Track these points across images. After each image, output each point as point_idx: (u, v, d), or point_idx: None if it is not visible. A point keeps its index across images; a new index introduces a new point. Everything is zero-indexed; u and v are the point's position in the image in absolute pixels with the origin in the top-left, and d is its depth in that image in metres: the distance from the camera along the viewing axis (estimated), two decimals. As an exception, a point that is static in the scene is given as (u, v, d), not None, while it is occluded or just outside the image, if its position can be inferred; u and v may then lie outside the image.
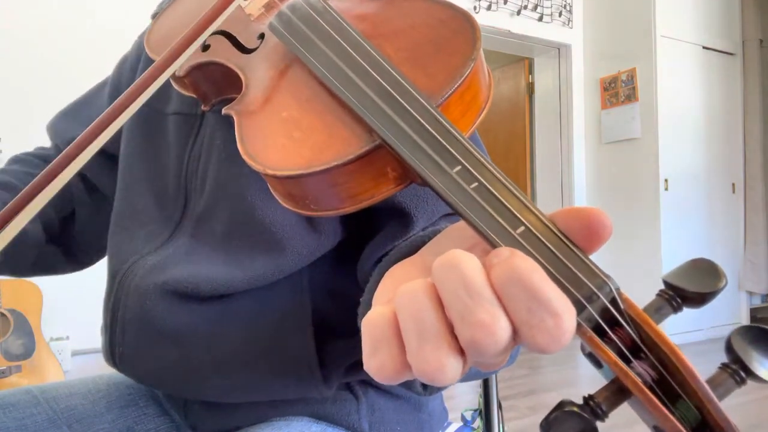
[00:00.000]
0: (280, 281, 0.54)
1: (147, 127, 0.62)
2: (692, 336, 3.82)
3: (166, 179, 0.60)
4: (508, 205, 0.27)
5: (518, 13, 3.97)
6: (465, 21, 0.38)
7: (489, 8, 3.84)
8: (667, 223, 3.76)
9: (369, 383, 0.60)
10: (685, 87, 3.91)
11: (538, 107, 4.49)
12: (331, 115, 0.36)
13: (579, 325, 0.24)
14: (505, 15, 3.93)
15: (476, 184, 0.28)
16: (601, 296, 0.24)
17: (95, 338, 0.65)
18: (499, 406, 0.87)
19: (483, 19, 3.81)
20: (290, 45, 0.41)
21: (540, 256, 0.25)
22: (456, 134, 0.30)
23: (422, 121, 0.31)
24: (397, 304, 0.24)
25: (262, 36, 0.47)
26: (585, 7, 4.26)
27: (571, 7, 4.21)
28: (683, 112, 3.88)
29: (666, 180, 3.78)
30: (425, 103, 0.32)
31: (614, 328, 0.24)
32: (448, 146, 0.30)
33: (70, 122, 0.72)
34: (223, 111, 0.42)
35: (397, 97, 0.33)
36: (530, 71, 4.52)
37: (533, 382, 2.88)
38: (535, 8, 4.04)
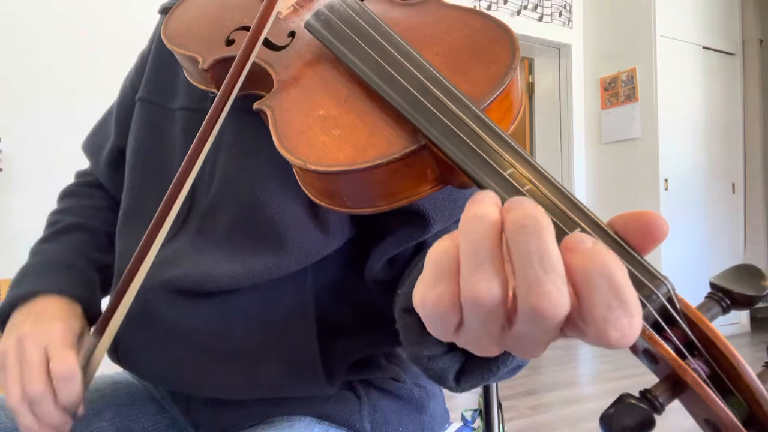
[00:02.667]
0: (284, 279, 0.54)
1: (153, 123, 0.62)
2: (692, 336, 3.82)
3: (173, 175, 0.60)
4: (562, 207, 0.27)
5: (518, 13, 3.97)
6: (501, 30, 0.39)
7: (489, 8, 3.84)
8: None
9: (371, 384, 0.60)
10: (685, 87, 3.91)
11: (538, 107, 4.49)
12: (372, 115, 0.37)
13: None
14: (505, 15, 3.93)
15: (529, 186, 0.28)
16: (660, 296, 0.25)
17: (95, 338, 0.65)
18: (499, 406, 0.87)
19: (483, 19, 3.81)
20: (329, 44, 0.41)
21: None
22: (505, 136, 0.31)
23: (471, 123, 0.32)
24: (461, 229, 0.24)
25: (292, 34, 0.47)
26: (585, 7, 4.26)
27: (571, 7, 4.21)
28: (683, 112, 3.88)
29: (666, 180, 3.78)
30: (473, 106, 0.32)
31: (671, 327, 0.25)
32: (499, 148, 0.30)
33: (98, 138, 0.74)
34: (255, 106, 0.42)
35: (443, 97, 0.33)
36: (530, 71, 4.52)
37: (533, 382, 2.88)
38: (535, 8, 4.04)
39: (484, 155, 0.30)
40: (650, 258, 0.25)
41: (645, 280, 0.25)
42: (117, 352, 0.58)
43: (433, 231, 0.49)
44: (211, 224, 0.56)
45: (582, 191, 4.25)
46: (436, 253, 0.25)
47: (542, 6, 4.07)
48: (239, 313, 0.54)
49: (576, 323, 0.24)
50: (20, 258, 0.65)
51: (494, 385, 0.87)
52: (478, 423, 0.89)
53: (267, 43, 0.47)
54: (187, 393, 0.61)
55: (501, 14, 3.91)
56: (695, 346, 0.25)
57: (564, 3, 4.17)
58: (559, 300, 0.22)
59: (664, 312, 0.25)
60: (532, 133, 4.53)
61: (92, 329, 0.53)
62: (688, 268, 3.84)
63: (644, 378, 2.94)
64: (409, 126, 0.34)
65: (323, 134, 0.37)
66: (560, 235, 0.26)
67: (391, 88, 0.35)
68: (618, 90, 4.01)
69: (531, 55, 4.45)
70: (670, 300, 0.25)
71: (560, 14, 4.15)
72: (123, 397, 0.66)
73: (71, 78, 2.53)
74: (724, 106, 4.11)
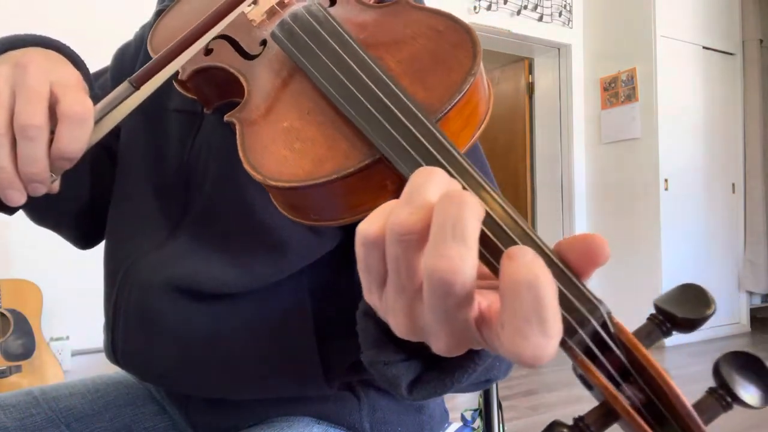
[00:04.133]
0: (281, 281, 0.54)
1: (148, 121, 0.62)
2: (692, 336, 3.82)
3: (167, 175, 0.59)
4: (504, 222, 0.27)
5: (518, 13, 3.97)
6: (465, 34, 0.38)
7: (489, 8, 3.84)
8: (667, 223, 3.76)
9: (370, 384, 0.60)
10: (685, 87, 3.91)
11: (538, 107, 4.49)
12: (332, 128, 0.36)
13: (570, 348, 0.24)
14: (505, 15, 3.93)
15: None
16: (592, 321, 0.24)
17: (95, 338, 0.65)
18: (499, 406, 0.87)
19: (483, 19, 3.81)
20: (291, 54, 0.41)
21: None
22: (454, 152, 0.30)
23: (420, 136, 0.32)
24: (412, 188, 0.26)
25: (264, 43, 0.46)
26: (585, 7, 4.26)
27: (571, 7, 4.21)
28: (683, 112, 3.88)
29: (666, 180, 3.78)
30: (424, 119, 0.32)
31: (605, 352, 0.25)
32: (445, 164, 0.30)
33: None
34: (225, 118, 0.42)
35: (396, 111, 0.33)
36: (530, 71, 4.52)
37: (533, 382, 2.88)
38: (535, 8, 4.04)
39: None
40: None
41: (578, 303, 0.25)
42: (115, 353, 0.58)
43: None
44: (206, 228, 0.56)
45: (582, 191, 4.25)
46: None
47: (542, 6, 4.07)
48: (237, 315, 0.54)
49: (492, 325, 0.24)
50: (20, 258, 0.65)
51: (494, 384, 0.87)
52: (478, 423, 0.89)
53: (241, 52, 0.47)
54: (185, 393, 0.61)
55: (501, 14, 3.91)
56: (630, 372, 0.25)
57: (564, 3, 4.17)
58: (459, 266, 0.22)
59: (596, 337, 0.25)
60: (532, 133, 4.53)
61: (127, 80, 0.44)
62: (688, 268, 3.84)
63: (644, 378, 2.94)
64: (366, 139, 0.34)
65: (285, 148, 0.37)
66: (502, 248, 0.26)
67: (346, 101, 0.35)
68: (618, 90, 4.01)
69: (531, 55, 4.45)
70: (603, 325, 0.25)
71: (560, 14, 4.15)
72: (123, 398, 0.66)
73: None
74: (724, 106, 4.11)
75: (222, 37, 0.48)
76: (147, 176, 0.61)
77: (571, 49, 4.23)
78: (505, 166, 4.66)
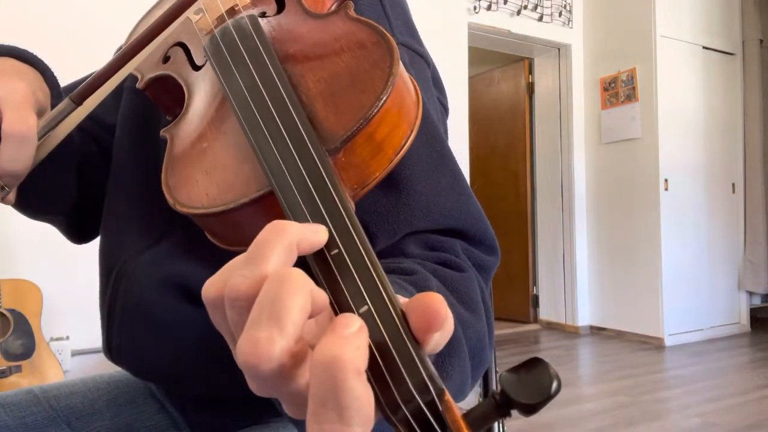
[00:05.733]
0: None
1: (141, 118, 0.62)
2: (692, 336, 3.82)
3: (159, 173, 0.59)
4: (358, 281, 0.26)
5: (518, 13, 3.97)
6: (386, 52, 0.36)
7: (489, 8, 3.84)
8: (667, 223, 3.76)
9: None
10: (685, 87, 3.91)
11: (538, 107, 4.49)
12: (243, 153, 0.35)
13: (395, 425, 0.23)
14: (505, 15, 3.93)
15: (336, 251, 0.27)
16: (417, 398, 0.23)
17: (95, 338, 0.65)
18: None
19: (483, 19, 3.81)
20: (215, 71, 0.39)
21: (371, 342, 0.24)
22: (333, 193, 0.29)
23: (304, 172, 0.30)
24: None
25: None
26: (585, 7, 4.26)
27: (571, 7, 4.21)
28: (683, 112, 3.88)
29: (666, 180, 3.78)
30: (314, 154, 0.31)
31: None
32: (320, 205, 0.29)
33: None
34: (161, 133, 0.41)
35: (288, 142, 0.32)
36: (530, 71, 4.52)
37: (533, 382, 2.88)
38: (535, 8, 4.04)
39: (306, 211, 0.29)
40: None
41: (407, 377, 0.23)
42: (110, 349, 0.58)
43: (379, 245, 0.47)
44: (197, 227, 0.56)
45: (582, 191, 4.25)
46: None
47: (542, 6, 4.07)
48: None
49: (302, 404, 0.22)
50: (20, 258, 0.65)
51: (494, 385, 0.87)
52: None
53: (191, 62, 0.46)
54: (180, 391, 0.61)
55: (501, 14, 3.91)
56: None
57: (564, 3, 4.17)
58: (264, 350, 0.21)
59: (421, 417, 0.23)
60: (532, 133, 4.53)
61: (68, 96, 0.44)
62: (687, 268, 3.84)
63: (645, 378, 2.94)
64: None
65: (199, 171, 0.36)
66: (347, 310, 0.25)
67: (248, 125, 0.34)
68: (618, 90, 4.01)
69: (531, 55, 4.45)
70: (430, 404, 0.23)
71: (560, 14, 4.15)
72: (124, 396, 0.66)
73: (72, 78, 2.53)
74: (724, 106, 4.11)
75: (178, 44, 0.47)
76: (140, 174, 0.60)
77: (571, 49, 4.23)
78: (505, 166, 4.66)
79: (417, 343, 0.24)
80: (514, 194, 4.60)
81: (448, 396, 0.23)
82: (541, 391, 0.23)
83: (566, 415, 2.41)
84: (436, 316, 0.23)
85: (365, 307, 0.25)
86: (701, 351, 3.57)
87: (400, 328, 0.24)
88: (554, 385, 0.23)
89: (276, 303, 0.21)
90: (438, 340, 0.24)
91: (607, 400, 2.59)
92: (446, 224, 0.49)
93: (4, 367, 2.16)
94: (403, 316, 0.25)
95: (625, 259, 3.93)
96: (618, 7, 4.03)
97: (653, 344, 3.72)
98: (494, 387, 0.87)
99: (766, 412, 2.44)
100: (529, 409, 0.23)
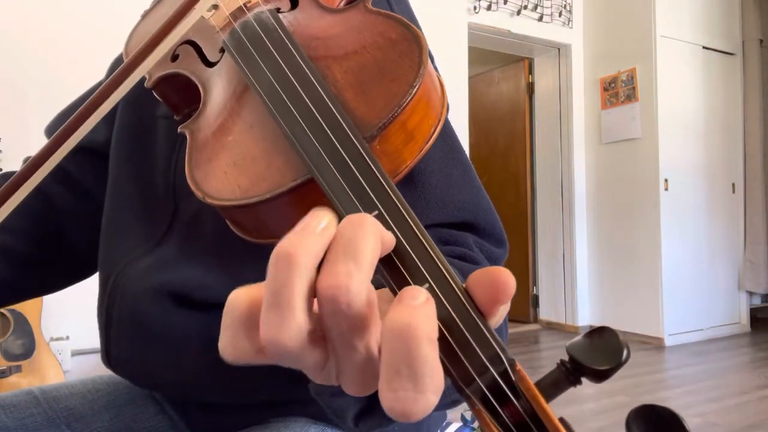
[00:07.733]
0: None
1: (136, 128, 0.62)
2: (692, 336, 3.82)
3: (156, 182, 0.59)
4: (416, 260, 0.26)
5: (518, 13, 3.97)
6: (413, 42, 0.37)
7: (489, 8, 3.85)
8: (667, 223, 3.76)
9: None
10: (685, 87, 3.91)
11: (538, 107, 4.49)
12: (272, 144, 0.35)
13: (468, 397, 0.23)
14: (505, 15, 3.93)
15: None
16: (491, 369, 0.23)
17: (95, 338, 0.64)
18: (499, 407, 0.87)
19: (483, 19, 3.81)
20: (238, 65, 0.39)
21: (439, 315, 0.24)
22: (380, 177, 0.29)
23: (347, 158, 0.30)
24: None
25: (222, 50, 0.45)
26: (585, 7, 4.26)
27: (571, 7, 4.21)
28: (683, 112, 3.89)
29: (666, 180, 3.78)
30: (354, 139, 0.31)
31: (504, 403, 0.24)
32: (368, 189, 0.29)
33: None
34: (179, 129, 0.41)
35: (327, 130, 0.32)
36: (530, 71, 4.52)
37: (533, 382, 2.88)
38: (535, 8, 4.05)
39: (352, 196, 0.29)
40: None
41: (479, 349, 0.23)
42: (109, 359, 0.58)
43: None
44: (197, 233, 0.55)
45: (582, 191, 4.25)
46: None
47: (542, 6, 4.07)
48: None
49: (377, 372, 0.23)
50: (20, 258, 0.65)
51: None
52: (478, 423, 0.89)
53: (203, 59, 0.46)
54: (180, 398, 0.61)
55: (501, 14, 3.91)
56: (530, 427, 0.24)
57: (564, 3, 4.18)
58: (343, 282, 0.21)
59: (495, 387, 0.23)
60: (532, 133, 4.53)
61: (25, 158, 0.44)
62: (687, 268, 3.84)
63: (645, 378, 2.94)
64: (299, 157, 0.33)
65: (226, 164, 0.36)
66: (409, 281, 0.25)
67: (281, 116, 0.34)
68: (618, 90, 4.01)
69: (531, 55, 4.45)
70: (503, 374, 0.23)
71: (560, 14, 4.15)
72: (123, 398, 0.66)
73: (72, 78, 2.53)
74: (724, 106, 4.11)
75: (188, 42, 0.47)
76: (136, 182, 0.60)
77: (571, 49, 4.23)
78: (505, 166, 4.66)
79: (483, 316, 0.24)
80: (514, 194, 4.60)
81: (519, 366, 0.24)
82: (614, 356, 0.23)
83: (566, 415, 2.40)
84: (505, 287, 0.24)
85: (426, 285, 0.25)
86: (701, 351, 3.57)
87: (465, 303, 0.24)
88: (625, 351, 0.23)
89: (352, 242, 0.22)
90: (502, 312, 0.25)
91: (607, 400, 2.59)
92: (459, 217, 0.49)
93: (4, 367, 2.16)
94: (466, 291, 0.25)
95: (625, 259, 3.93)
96: (618, 7, 4.03)
97: (653, 344, 3.72)
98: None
99: (766, 412, 2.44)
100: (601, 375, 0.23)
